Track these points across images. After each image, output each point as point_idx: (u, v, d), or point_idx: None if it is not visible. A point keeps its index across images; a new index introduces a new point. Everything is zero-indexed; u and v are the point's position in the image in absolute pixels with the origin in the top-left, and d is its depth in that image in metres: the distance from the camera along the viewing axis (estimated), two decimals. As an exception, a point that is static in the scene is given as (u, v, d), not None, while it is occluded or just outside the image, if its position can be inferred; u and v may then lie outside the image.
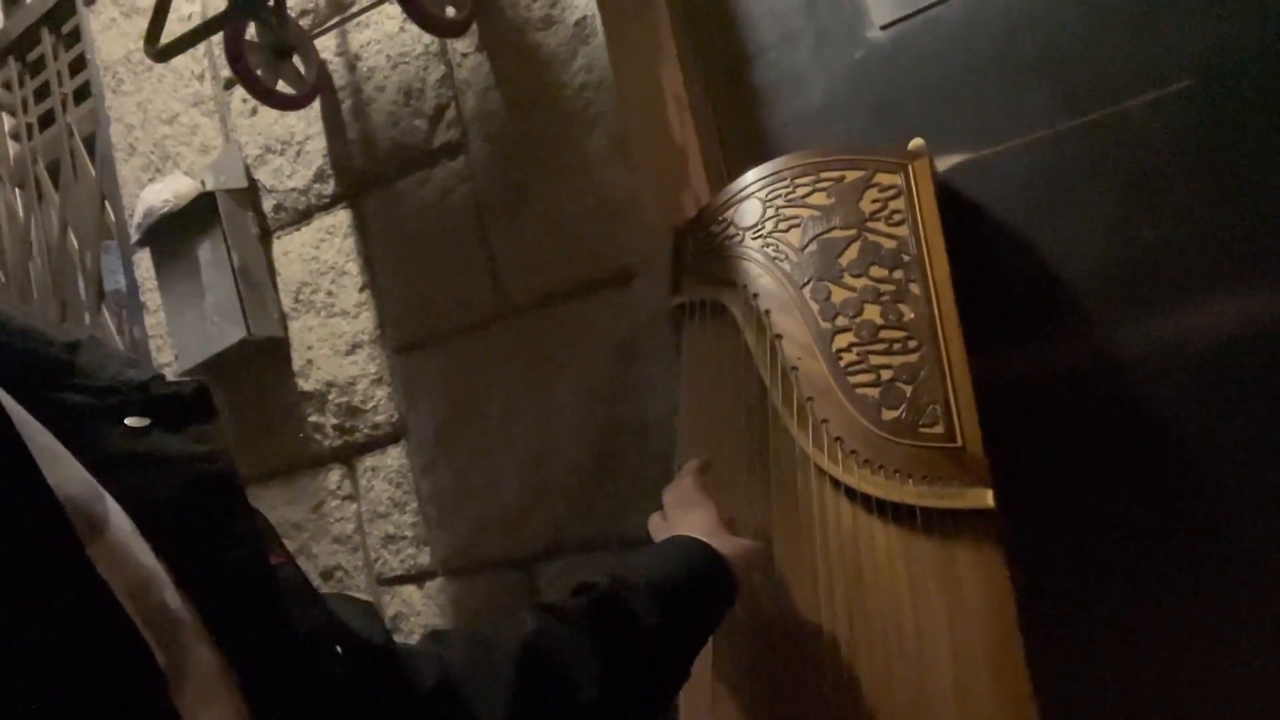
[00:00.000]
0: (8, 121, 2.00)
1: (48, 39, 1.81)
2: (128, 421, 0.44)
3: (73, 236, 1.84)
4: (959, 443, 0.84)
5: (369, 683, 0.53)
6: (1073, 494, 0.97)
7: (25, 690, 0.33)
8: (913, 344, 0.89)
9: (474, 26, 1.18)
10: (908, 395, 0.87)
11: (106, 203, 1.73)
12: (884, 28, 1.07)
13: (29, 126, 1.91)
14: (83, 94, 1.77)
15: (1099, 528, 0.96)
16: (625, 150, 1.10)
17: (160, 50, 1.12)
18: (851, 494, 0.85)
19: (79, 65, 1.77)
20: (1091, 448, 0.96)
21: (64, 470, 0.39)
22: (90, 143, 1.76)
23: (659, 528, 0.84)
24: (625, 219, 1.11)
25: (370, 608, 0.60)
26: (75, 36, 1.75)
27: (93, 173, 1.76)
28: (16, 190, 1.96)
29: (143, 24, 1.27)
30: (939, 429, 0.85)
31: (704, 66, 1.19)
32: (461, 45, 1.20)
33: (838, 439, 0.87)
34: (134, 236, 1.47)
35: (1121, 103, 0.94)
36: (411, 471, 1.32)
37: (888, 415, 0.87)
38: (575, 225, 1.14)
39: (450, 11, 1.15)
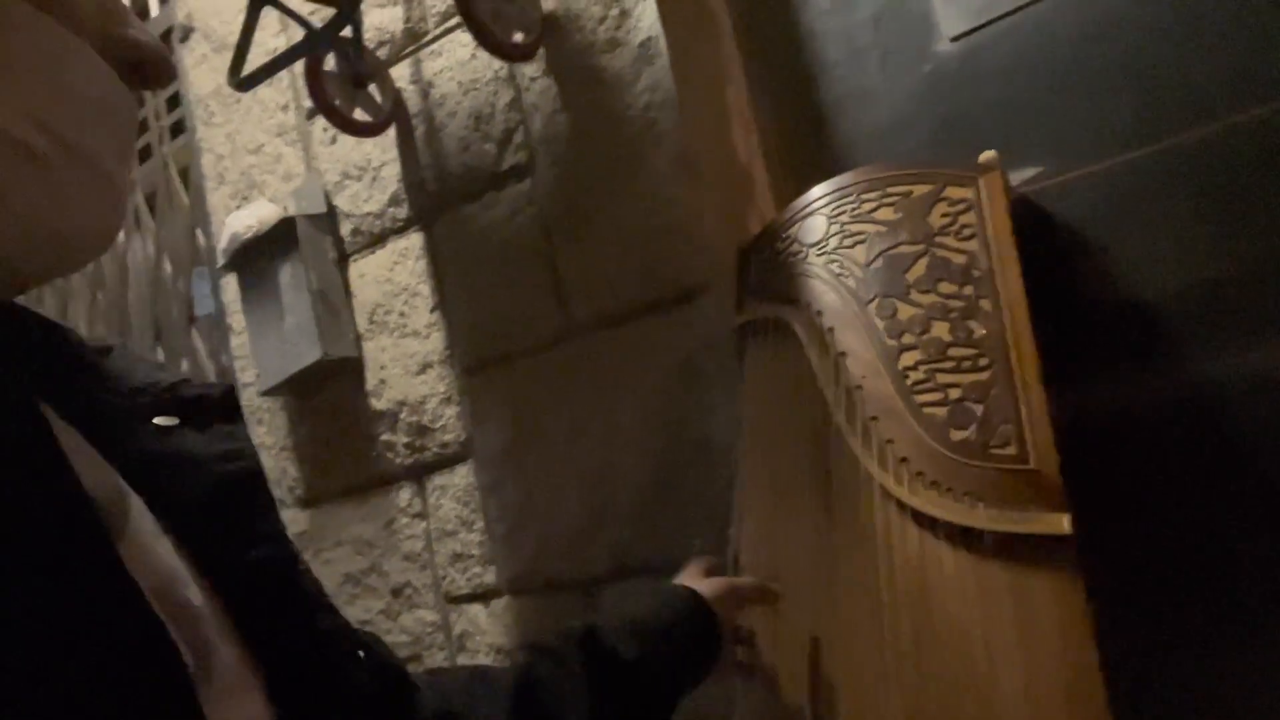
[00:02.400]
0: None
1: (147, 76, 1.91)
2: (156, 421, 0.45)
3: (167, 263, 1.92)
4: (1032, 465, 0.80)
5: (386, 693, 0.53)
6: (1152, 525, 0.91)
7: (57, 687, 0.33)
8: (983, 362, 0.86)
9: (541, 51, 1.20)
10: (978, 415, 0.84)
11: (198, 230, 1.81)
12: (954, 40, 1.04)
13: (129, 159, 2.01)
14: (177, 129, 1.86)
15: (1180, 560, 0.90)
16: (690, 170, 1.10)
17: (242, 80, 1.17)
18: (918, 517, 0.82)
19: (175, 102, 1.86)
20: (1173, 478, 0.91)
21: (90, 470, 0.40)
22: (185, 174, 1.85)
23: None
24: (690, 238, 1.10)
25: (377, 637, 0.61)
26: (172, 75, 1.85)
27: (186, 201, 1.84)
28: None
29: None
30: (1011, 450, 0.81)
31: (769, 84, 1.18)
32: (530, 70, 1.22)
33: (904, 460, 0.84)
34: (220, 261, 1.53)
35: (1211, 121, 0.90)
36: (478, 490, 1.33)
37: (956, 436, 0.84)
38: (640, 245, 1.14)
39: (518, 37, 1.17)
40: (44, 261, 0.40)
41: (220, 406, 0.48)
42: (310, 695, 0.44)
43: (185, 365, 1.88)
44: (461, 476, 1.35)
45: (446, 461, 1.37)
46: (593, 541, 1.21)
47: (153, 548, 0.41)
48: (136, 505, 0.41)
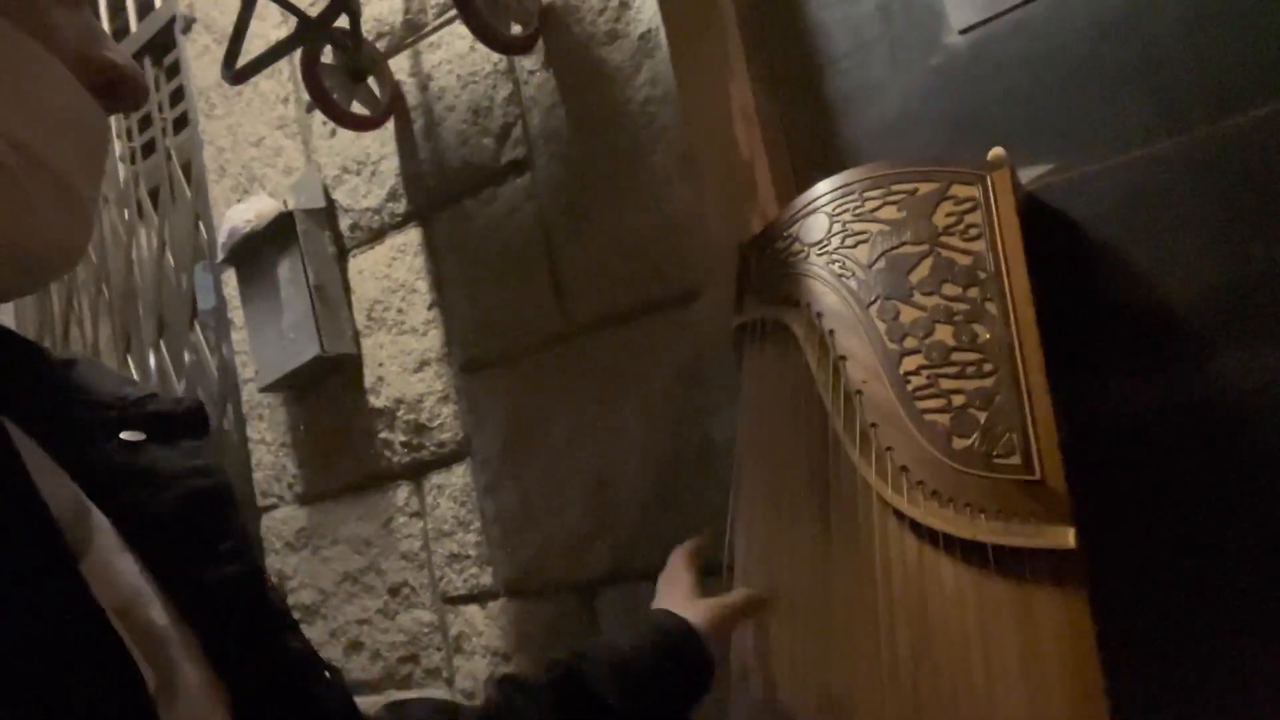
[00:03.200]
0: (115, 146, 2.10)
1: (150, 70, 1.90)
2: (123, 435, 0.44)
3: (170, 256, 1.91)
4: (1038, 475, 0.77)
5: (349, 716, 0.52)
6: (1166, 535, 0.88)
7: (15, 708, 0.32)
8: (988, 367, 0.83)
9: (540, 43, 1.17)
10: (981, 423, 0.81)
11: (200, 223, 1.80)
12: (963, 32, 1.01)
13: (133, 152, 2.00)
14: (181, 123, 1.85)
15: (1195, 573, 0.87)
16: (691, 166, 1.07)
17: (236, 73, 1.15)
18: (917, 528, 0.79)
19: (179, 96, 1.85)
20: (1190, 486, 0.88)
21: (53, 485, 0.39)
22: (188, 168, 1.83)
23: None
24: (691, 236, 1.08)
25: (335, 667, 0.60)
26: (175, 69, 1.83)
27: (188, 195, 1.83)
28: (125, 212, 2.06)
29: (229, 49, 1.32)
30: (1015, 460, 0.78)
31: (773, 78, 1.15)
32: (528, 63, 1.19)
33: (903, 468, 0.82)
34: (219, 255, 1.52)
35: (1229, 116, 0.86)
36: (476, 491, 1.31)
37: (959, 444, 0.81)
38: (640, 243, 1.11)
39: (517, 29, 1.14)
40: (6, 277, 0.39)
41: (188, 422, 0.47)
42: (276, 716, 0.43)
43: (187, 360, 1.87)
44: (459, 476, 1.33)
45: (444, 461, 1.35)
46: (592, 544, 1.19)
47: (117, 566, 0.40)
48: (101, 522, 0.41)
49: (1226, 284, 0.87)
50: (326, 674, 0.50)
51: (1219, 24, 0.87)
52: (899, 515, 0.80)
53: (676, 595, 0.81)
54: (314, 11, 1.28)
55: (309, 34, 1.13)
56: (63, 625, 0.34)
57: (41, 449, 0.40)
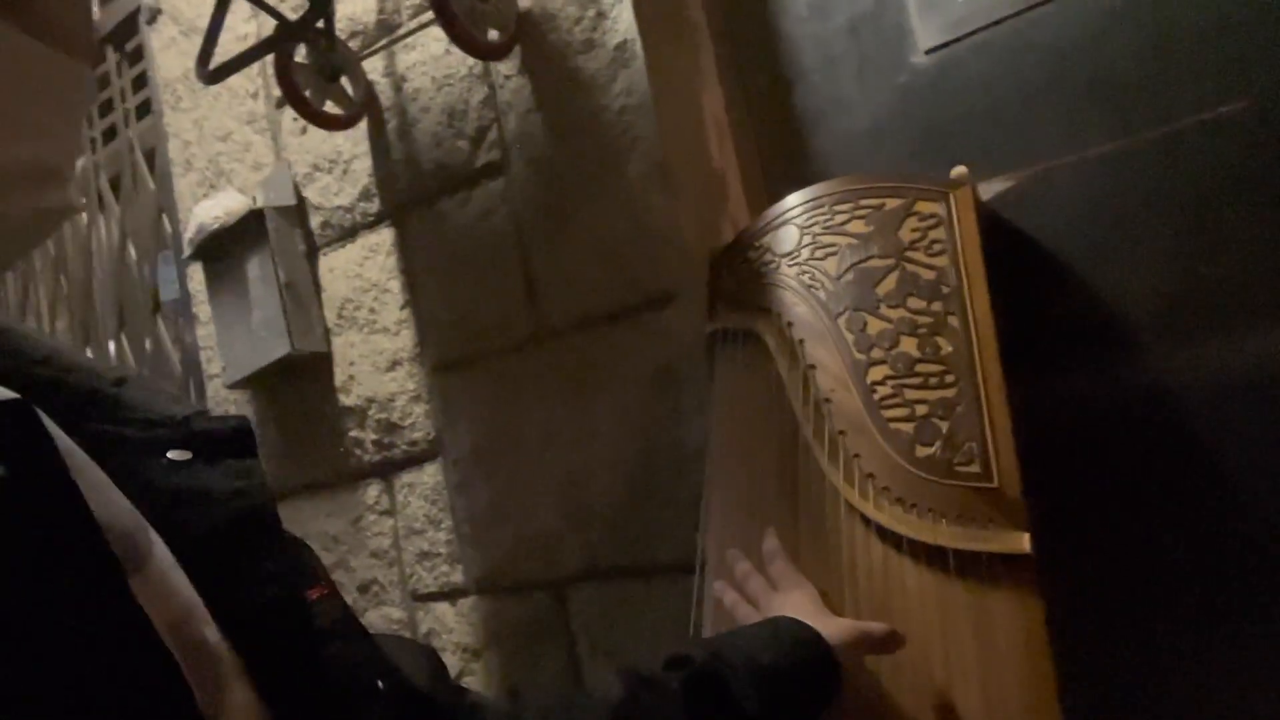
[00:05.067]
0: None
1: (111, 57, 1.87)
2: (170, 455, 0.44)
3: (132, 247, 1.89)
4: (995, 483, 0.81)
5: None
6: (1114, 530, 0.93)
7: None
8: (950, 379, 0.87)
9: (516, 49, 1.18)
10: (943, 432, 0.85)
11: (164, 215, 1.78)
12: (929, 52, 1.04)
13: (93, 140, 1.97)
14: (144, 110, 1.83)
15: (1140, 566, 0.92)
16: (664, 174, 1.10)
17: (211, 72, 1.14)
18: (882, 532, 0.83)
19: (141, 83, 1.82)
20: (1138, 482, 0.93)
21: (108, 501, 0.40)
22: (151, 157, 1.81)
23: (761, 601, 0.82)
24: (664, 243, 1.10)
25: (430, 651, 0.59)
26: (138, 55, 1.81)
27: (152, 186, 1.81)
28: (83, 199, 2.03)
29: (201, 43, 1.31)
30: (975, 468, 0.82)
31: (745, 90, 1.18)
32: (504, 68, 1.21)
33: (869, 475, 0.85)
34: (186, 251, 1.51)
35: (1175, 123, 0.91)
36: (447, 489, 1.33)
37: (922, 452, 0.85)
38: (614, 248, 1.14)
39: (493, 35, 1.16)
40: None
41: (233, 441, 0.47)
42: None
43: (149, 348, 1.85)
44: (430, 475, 1.34)
45: (415, 459, 1.36)
46: (563, 542, 1.21)
47: (172, 582, 0.40)
48: (156, 538, 0.41)
49: (1168, 287, 0.92)
50: (379, 684, 0.50)
51: (1167, 43, 0.92)
52: (865, 519, 0.84)
53: (805, 604, 0.78)
54: (288, 10, 1.27)
55: (287, 36, 1.13)
56: (111, 638, 0.35)
57: (97, 465, 0.41)
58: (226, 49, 1.27)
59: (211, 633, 0.41)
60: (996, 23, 1.00)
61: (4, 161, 0.38)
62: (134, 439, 0.44)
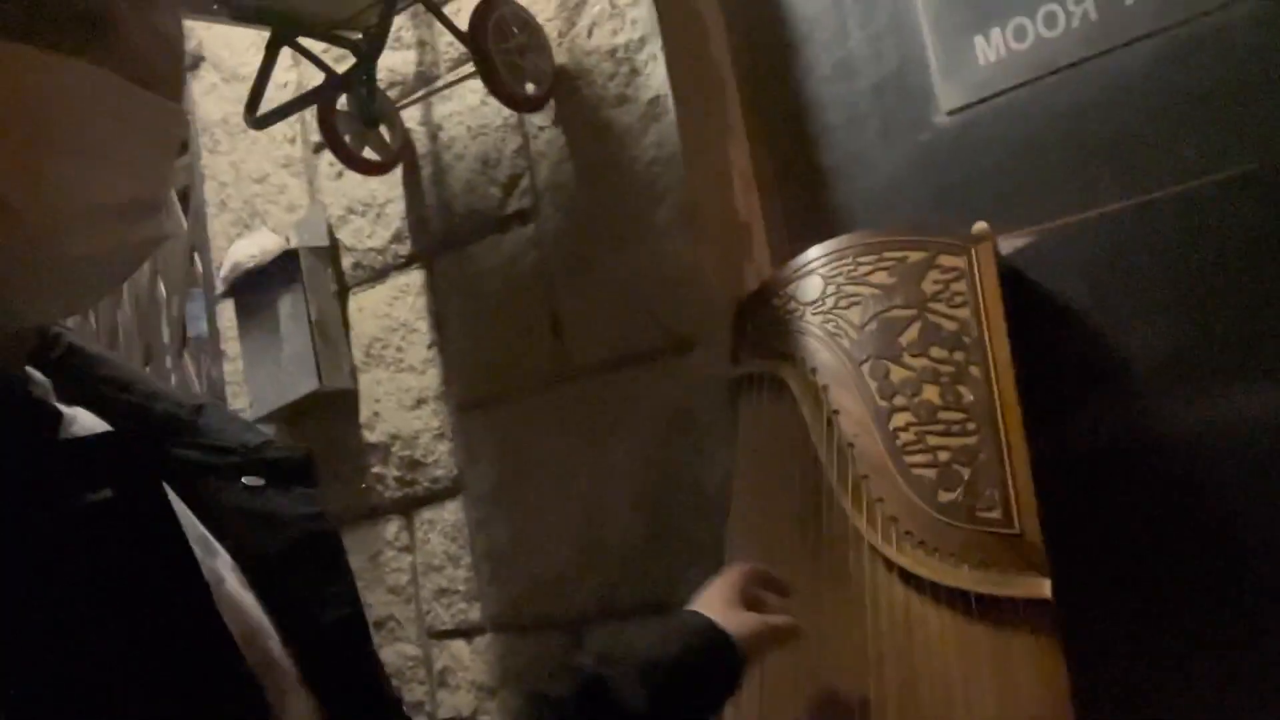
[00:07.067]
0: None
1: (153, 100, 1.93)
2: (245, 480, 0.47)
3: (162, 284, 1.93)
4: (1017, 529, 0.83)
5: None
6: (1127, 577, 0.95)
7: None
8: (971, 427, 0.89)
9: (550, 101, 1.23)
10: (965, 478, 0.87)
11: (196, 254, 1.83)
12: (950, 113, 1.09)
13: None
14: (179, 151, 1.88)
15: (1154, 611, 0.93)
16: (691, 223, 1.13)
17: (259, 119, 1.19)
18: (905, 576, 0.85)
19: (180, 125, 1.88)
20: (1152, 528, 0.95)
21: (190, 524, 0.43)
22: (185, 197, 1.86)
23: None
24: (688, 290, 1.13)
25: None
26: (179, 98, 1.87)
27: (185, 224, 1.86)
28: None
29: (241, 90, 1.36)
30: (996, 514, 0.84)
31: (771, 145, 1.22)
32: (538, 119, 1.25)
33: (892, 519, 0.87)
34: (219, 288, 1.55)
35: (1187, 183, 0.95)
36: (467, 526, 1.35)
37: (944, 497, 0.87)
38: (639, 294, 1.17)
39: (530, 88, 1.20)
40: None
41: (303, 469, 0.51)
42: None
43: (174, 382, 1.88)
44: (451, 512, 1.36)
45: (437, 496, 1.38)
46: (581, 582, 1.22)
47: (241, 600, 0.43)
48: (225, 560, 0.44)
49: (1177, 342, 0.95)
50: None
51: (1178, 107, 0.96)
52: (888, 563, 0.86)
53: (714, 601, 0.77)
54: (328, 58, 1.33)
55: (333, 89, 1.18)
56: (199, 651, 0.37)
57: (174, 489, 0.44)
58: (266, 96, 1.32)
59: (275, 646, 0.44)
60: (1016, 87, 1.04)
61: (104, 198, 0.41)
62: (211, 464, 0.47)
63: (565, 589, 1.24)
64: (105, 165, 0.41)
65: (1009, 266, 1.03)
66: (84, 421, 0.42)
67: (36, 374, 0.43)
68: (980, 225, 0.99)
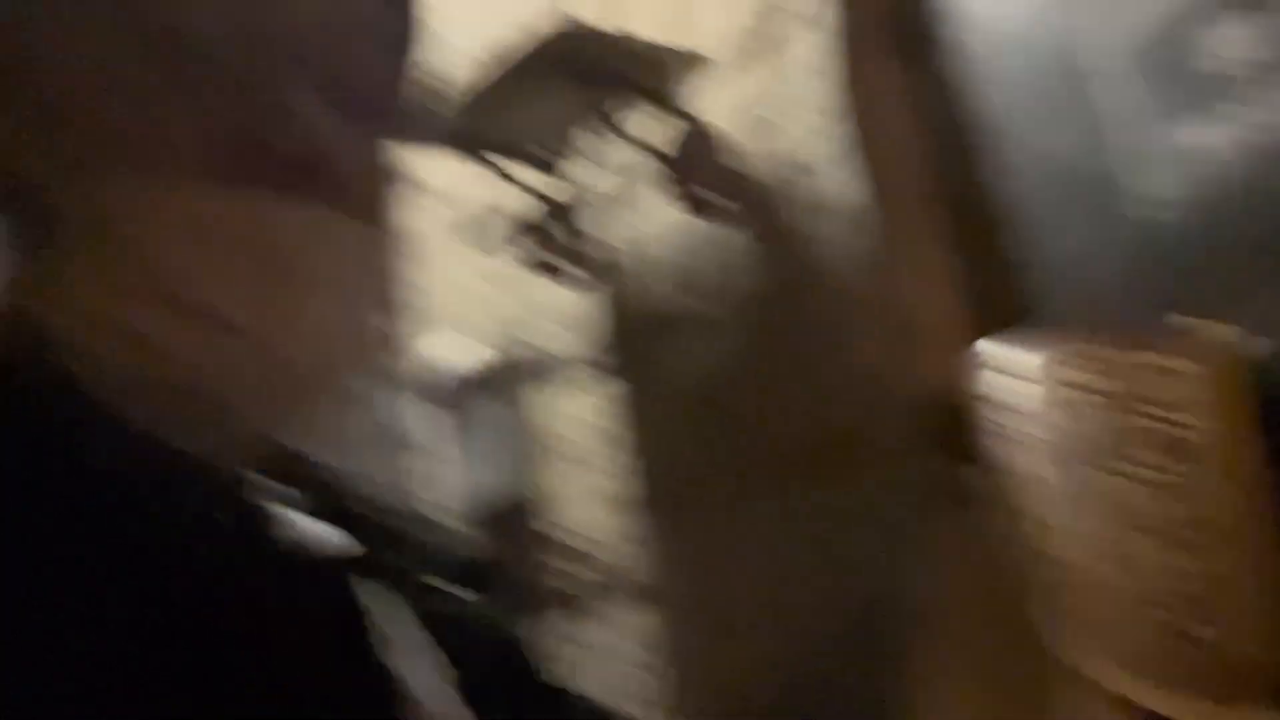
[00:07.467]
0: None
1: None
2: (441, 587, 0.49)
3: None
4: (1255, 654, 0.74)
5: None
6: None
7: None
8: (1206, 545, 0.81)
9: (744, 209, 1.27)
10: (1199, 602, 0.79)
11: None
12: (1158, 204, 1.04)
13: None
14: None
15: None
16: (886, 329, 1.12)
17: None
18: (1124, 704, 0.77)
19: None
20: None
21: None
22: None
23: None
24: (885, 395, 1.12)
25: None
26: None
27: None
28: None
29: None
30: (1245, 645, 0.76)
31: (969, 247, 1.20)
32: (732, 228, 1.29)
33: (1111, 646, 0.80)
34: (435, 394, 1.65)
35: None
36: (652, 630, 1.34)
37: (1173, 623, 0.79)
38: (833, 400, 1.16)
39: (721, 198, 1.25)
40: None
41: (490, 574, 0.52)
42: None
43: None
44: (636, 615, 1.36)
45: (621, 599, 1.39)
46: (776, 696, 1.19)
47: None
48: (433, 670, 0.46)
49: None
50: None
51: None
52: (1106, 697, 0.79)
53: None
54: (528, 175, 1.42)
55: (547, 212, 1.28)
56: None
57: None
58: (468, 208, 1.43)
59: None
60: (1224, 178, 0.98)
61: (327, 325, 0.42)
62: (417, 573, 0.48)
63: (758, 700, 1.20)
64: (327, 293, 0.42)
65: (1247, 370, 0.95)
66: (316, 532, 0.43)
67: (261, 478, 0.43)
68: (1219, 326, 0.92)
